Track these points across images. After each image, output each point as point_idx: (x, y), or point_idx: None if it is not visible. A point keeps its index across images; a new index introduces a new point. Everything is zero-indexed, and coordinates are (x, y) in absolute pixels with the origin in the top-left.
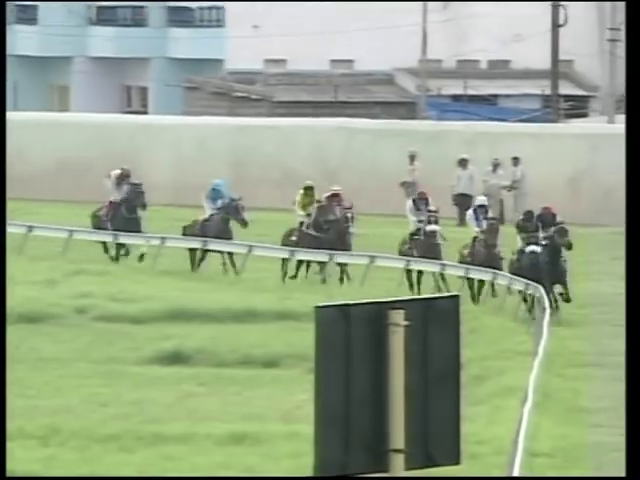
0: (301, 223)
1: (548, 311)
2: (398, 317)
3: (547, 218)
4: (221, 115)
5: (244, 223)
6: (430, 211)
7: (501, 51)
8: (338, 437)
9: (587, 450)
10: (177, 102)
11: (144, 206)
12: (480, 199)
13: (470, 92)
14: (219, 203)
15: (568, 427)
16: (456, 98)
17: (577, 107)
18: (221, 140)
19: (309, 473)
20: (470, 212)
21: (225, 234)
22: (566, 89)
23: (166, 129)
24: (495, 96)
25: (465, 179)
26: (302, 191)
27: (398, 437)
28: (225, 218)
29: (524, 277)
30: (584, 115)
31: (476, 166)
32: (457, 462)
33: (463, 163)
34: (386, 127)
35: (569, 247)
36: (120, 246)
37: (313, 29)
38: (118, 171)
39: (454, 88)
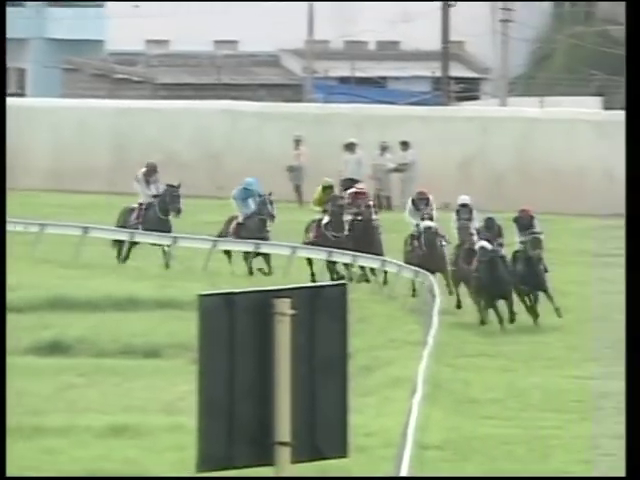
0: (318, 221)
1: (438, 300)
2: (284, 306)
3: (524, 221)
4: (102, 97)
5: (272, 218)
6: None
7: (390, 32)
8: (222, 429)
9: (478, 442)
10: (56, 84)
11: (179, 212)
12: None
13: (358, 74)
14: (250, 203)
15: (459, 419)
16: (343, 80)
17: (468, 89)
18: (101, 123)
19: (192, 466)
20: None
21: (262, 236)
22: (457, 71)
23: (45, 112)
24: (384, 78)
25: (352, 163)
26: (320, 188)
27: (284, 429)
28: (262, 219)
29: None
30: (475, 98)
31: (364, 150)
32: (344, 455)
33: (351, 147)
34: (271, 110)
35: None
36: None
37: (196, 9)
38: (143, 169)
39: (341, 70)
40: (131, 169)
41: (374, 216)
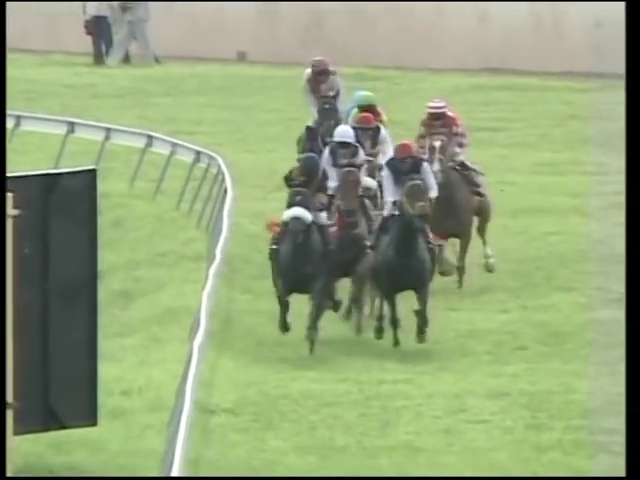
0: None
1: (230, 193)
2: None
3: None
4: None
5: None
6: None
7: None
8: None
9: (289, 404)
10: None
11: None
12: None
13: None
14: None
15: (260, 369)
16: None
17: None
18: None
19: None
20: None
21: None
22: None
23: None
24: None
25: None
26: None
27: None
28: None
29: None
30: None
31: None
32: (93, 423)
33: None
34: None
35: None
36: None
37: None
38: None
39: None
40: None
41: None
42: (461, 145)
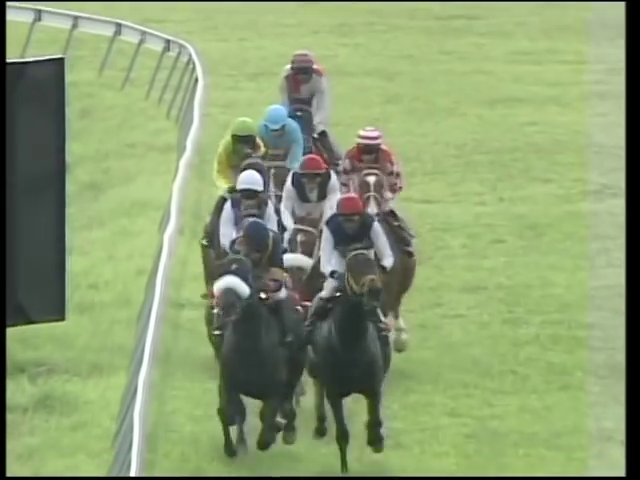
0: None
1: (201, 83)
2: None
3: None
4: None
5: None
6: None
7: None
8: None
9: None
10: None
11: None
12: None
13: None
14: None
15: None
16: None
17: None
18: None
19: None
20: None
21: None
22: None
23: None
24: None
25: None
26: None
27: None
28: None
29: None
30: None
31: None
32: (61, 317)
33: None
34: None
35: None
36: None
37: None
38: None
39: None
40: None
41: None
42: (394, 188)
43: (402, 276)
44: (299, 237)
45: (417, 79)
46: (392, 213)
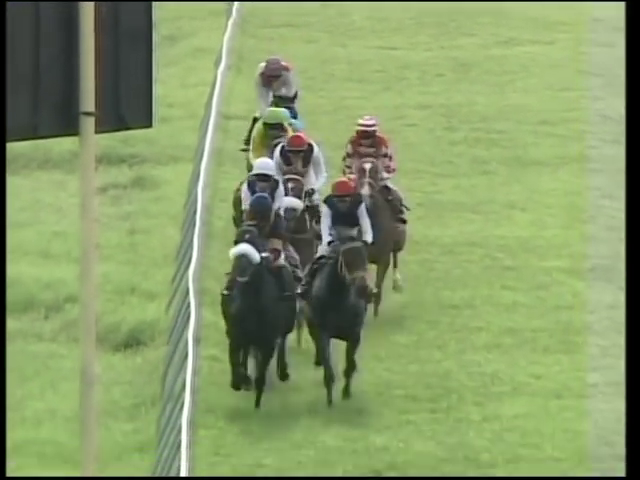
0: None
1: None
2: None
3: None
4: None
5: None
6: None
7: None
8: (27, 101)
9: None
10: None
11: None
12: None
13: None
14: None
15: None
16: None
17: None
18: None
19: None
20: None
21: None
22: None
23: None
24: None
25: None
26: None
27: (89, 100)
28: None
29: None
30: None
31: None
32: (149, 125)
33: None
34: None
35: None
36: None
37: None
38: None
39: None
40: None
41: None
42: (389, 169)
43: (397, 238)
44: (290, 184)
45: None
46: (386, 188)
